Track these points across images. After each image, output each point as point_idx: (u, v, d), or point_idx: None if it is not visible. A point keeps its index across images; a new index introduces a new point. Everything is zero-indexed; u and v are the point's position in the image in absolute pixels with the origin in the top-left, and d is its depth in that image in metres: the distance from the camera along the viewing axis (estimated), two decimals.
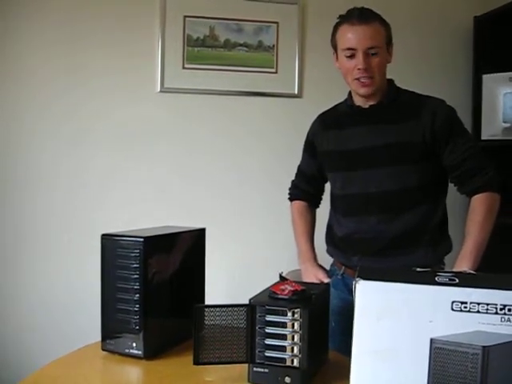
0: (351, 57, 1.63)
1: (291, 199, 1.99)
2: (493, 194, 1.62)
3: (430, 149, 1.65)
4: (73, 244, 2.60)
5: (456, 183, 1.68)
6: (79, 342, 1.53)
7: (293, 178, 2.00)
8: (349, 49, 1.63)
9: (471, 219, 1.61)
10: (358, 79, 1.64)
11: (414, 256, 1.65)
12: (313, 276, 1.73)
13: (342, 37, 1.66)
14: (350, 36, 1.62)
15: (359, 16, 1.62)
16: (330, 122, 1.83)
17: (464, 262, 1.55)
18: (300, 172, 1.97)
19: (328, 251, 1.87)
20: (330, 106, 1.89)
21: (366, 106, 1.72)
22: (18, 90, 2.58)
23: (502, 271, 1.28)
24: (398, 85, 1.77)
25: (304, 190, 1.95)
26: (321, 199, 1.98)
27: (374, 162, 1.67)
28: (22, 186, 2.58)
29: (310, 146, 1.90)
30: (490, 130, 2.65)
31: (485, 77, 2.67)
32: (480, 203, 1.61)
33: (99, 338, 1.43)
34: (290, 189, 2.00)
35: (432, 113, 1.64)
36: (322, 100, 2.57)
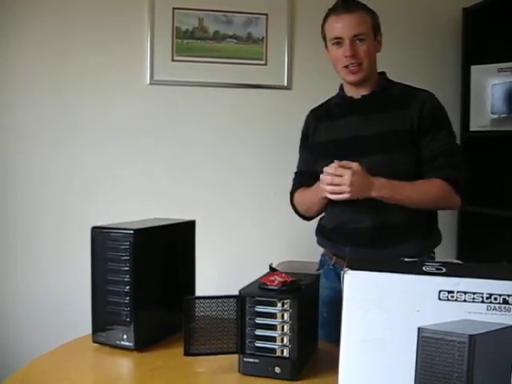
0: (338, 45, 1.67)
1: (292, 199, 1.90)
2: (451, 189, 1.62)
3: (417, 137, 1.66)
4: (64, 238, 2.59)
5: (426, 173, 1.66)
6: (70, 334, 1.53)
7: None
8: (336, 38, 1.67)
9: (423, 181, 1.62)
10: (346, 67, 1.67)
11: (404, 247, 1.66)
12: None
13: (329, 27, 1.71)
14: (336, 25, 1.67)
15: (343, 6, 1.67)
16: (322, 115, 1.84)
17: (383, 180, 1.57)
18: (298, 173, 1.92)
19: (318, 242, 1.86)
20: (319, 98, 1.89)
21: (358, 97, 1.74)
22: (9, 88, 2.56)
23: (495, 260, 1.30)
24: (388, 76, 1.78)
25: (305, 184, 1.85)
26: None
27: (365, 151, 1.67)
28: (13, 182, 2.57)
29: (305, 141, 1.89)
30: (479, 122, 2.66)
31: (473, 68, 2.68)
32: (437, 183, 1.62)
33: (90, 331, 1.43)
34: (290, 197, 1.92)
35: (421, 103, 1.67)
36: (311, 91, 2.59)
